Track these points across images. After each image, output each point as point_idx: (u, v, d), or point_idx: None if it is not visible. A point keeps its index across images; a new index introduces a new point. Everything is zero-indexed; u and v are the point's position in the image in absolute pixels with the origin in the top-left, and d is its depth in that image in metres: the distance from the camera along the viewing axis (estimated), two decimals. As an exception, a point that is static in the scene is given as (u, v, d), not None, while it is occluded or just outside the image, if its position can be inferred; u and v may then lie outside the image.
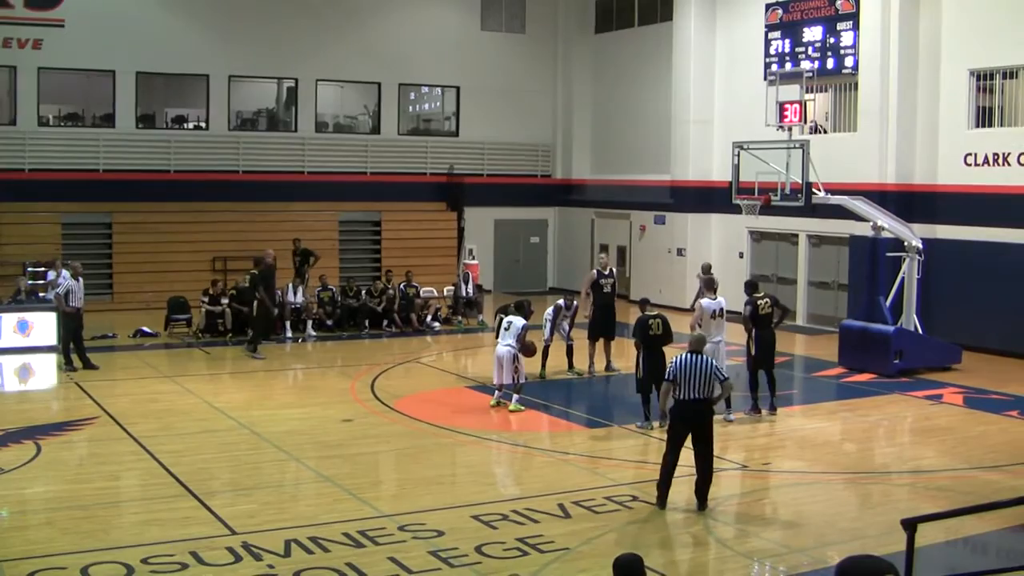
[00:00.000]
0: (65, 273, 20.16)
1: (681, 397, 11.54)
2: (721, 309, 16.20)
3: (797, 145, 19.89)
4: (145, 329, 23.40)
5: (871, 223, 20.86)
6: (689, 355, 11.66)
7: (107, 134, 28.69)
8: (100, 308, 25.44)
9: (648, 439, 14.88)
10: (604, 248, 30.15)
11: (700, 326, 16.03)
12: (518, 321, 16.55)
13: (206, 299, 23.46)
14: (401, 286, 25.17)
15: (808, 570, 10.04)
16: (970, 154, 22.56)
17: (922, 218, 22.84)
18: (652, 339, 15.41)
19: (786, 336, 23.49)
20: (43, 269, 23.97)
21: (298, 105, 31.12)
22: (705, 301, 16.31)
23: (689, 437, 11.60)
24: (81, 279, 19.87)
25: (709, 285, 16.83)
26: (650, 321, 15.64)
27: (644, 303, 16.56)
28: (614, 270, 20.39)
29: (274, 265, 22.17)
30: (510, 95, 33.34)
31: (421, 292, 25.70)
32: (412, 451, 14.35)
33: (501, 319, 17.22)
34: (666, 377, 11.83)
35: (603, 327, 19.51)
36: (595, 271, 19.81)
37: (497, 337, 16.83)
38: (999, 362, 21.08)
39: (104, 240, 28.08)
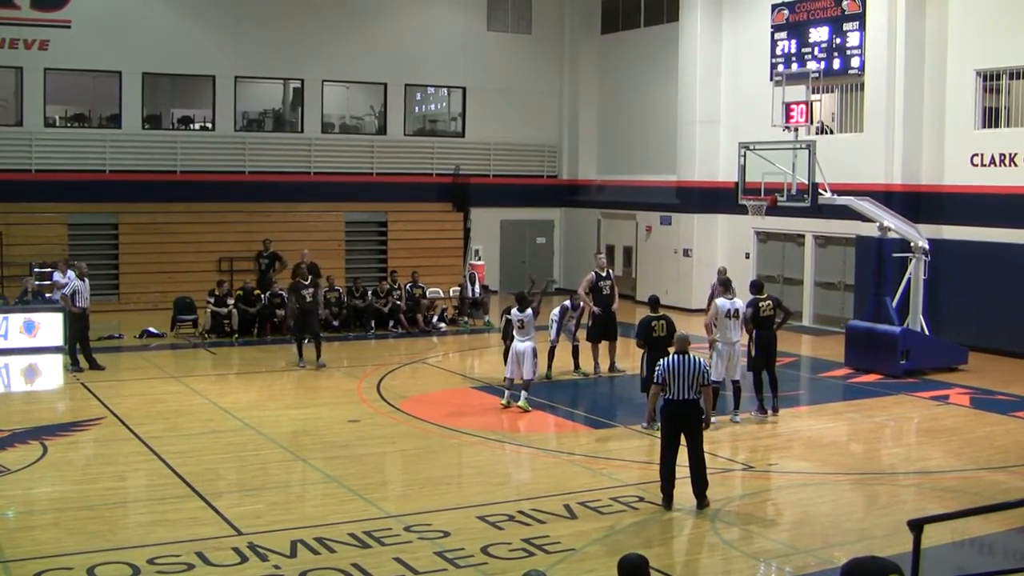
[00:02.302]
0: (71, 273, 20.19)
1: (670, 397, 11.58)
2: (737, 310, 16.17)
3: (803, 146, 19.87)
4: (151, 330, 23.42)
5: (877, 224, 20.83)
6: (677, 356, 11.70)
7: (113, 135, 28.73)
8: (106, 309, 25.49)
9: (653, 440, 14.86)
10: (607, 249, 30.10)
11: (716, 326, 16.02)
12: (527, 314, 16.58)
13: (212, 300, 23.50)
14: (408, 287, 25.18)
15: (814, 571, 10.03)
16: (976, 154, 22.54)
17: (928, 219, 22.83)
18: (656, 340, 15.40)
19: (792, 336, 23.52)
20: (49, 270, 23.97)
21: (304, 106, 31.13)
22: (720, 301, 16.27)
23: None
24: (87, 279, 19.91)
25: (726, 286, 16.81)
26: (653, 323, 15.64)
27: (653, 303, 16.48)
28: (611, 271, 20.29)
29: (305, 264, 22.35)
30: (516, 96, 33.34)
31: (427, 293, 25.70)
32: (418, 452, 14.35)
33: (508, 320, 17.22)
34: (655, 380, 11.86)
35: (602, 330, 19.43)
36: (593, 273, 19.75)
37: (504, 338, 16.82)
38: (1005, 363, 21.05)
39: (110, 241, 28.09)
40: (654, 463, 12.71)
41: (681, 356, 11.67)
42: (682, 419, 11.56)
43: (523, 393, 16.50)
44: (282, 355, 21.40)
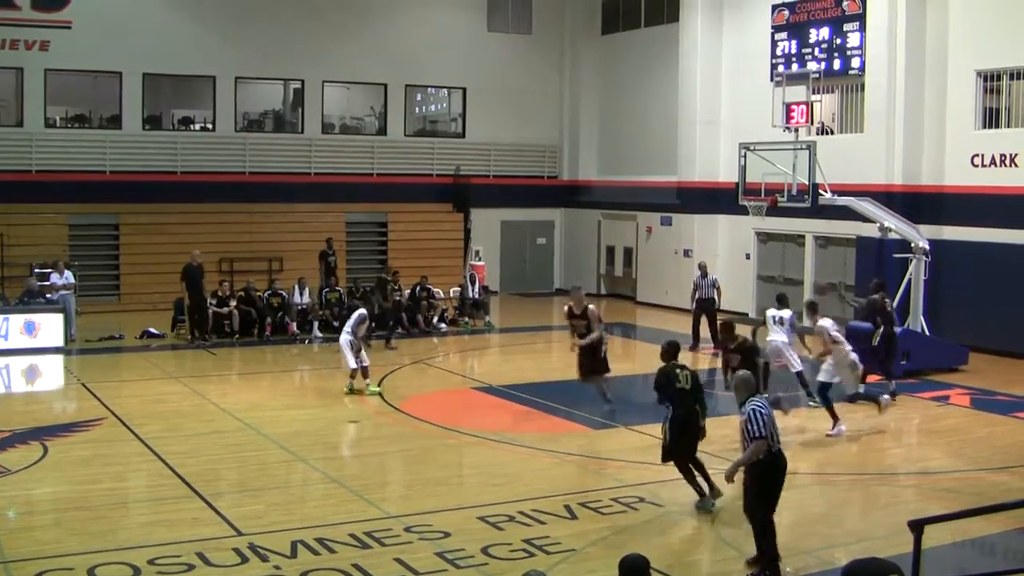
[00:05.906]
0: (68, 273, 20.01)
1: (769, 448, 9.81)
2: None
3: (804, 146, 19.88)
4: (152, 330, 23.43)
5: (878, 224, 20.84)
6: (766, 402, 10.14)
7: (114, 135, 28.74)
8: (107, 309, 25.47)
9: (650, 439, 14.87)
10: (607, 250, 29.97)
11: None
12: (357, 315, 18.10)
13: (214, 301, 23.46)
14: (417, 289, 25.16)
15: (815, 571, 10.05)
16: (977, 155, 22.53)
17: (929, 219, 22.82)
18: (679, 392, 12.03)
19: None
20: (49, 271, 23.88)
21: (304, 106, 31.13)
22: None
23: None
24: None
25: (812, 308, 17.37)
26: (677, 371, 12.16)
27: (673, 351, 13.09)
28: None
29: (195, 264, 22.92)
30: (516, 96, 33.33)
31: (434, 295, 25.60)
32: (418, 452, 14.35)
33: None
34: (758, 433, 9.71)
35: None
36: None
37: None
38: (1006, 363, 21.05)
39: (111, 241, 28.12)
40: (655, 464, 12.71)
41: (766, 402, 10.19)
42: (784, 470, 10.02)
43: (350, 380, 17.71)
44: (283, 355, 21.38)
